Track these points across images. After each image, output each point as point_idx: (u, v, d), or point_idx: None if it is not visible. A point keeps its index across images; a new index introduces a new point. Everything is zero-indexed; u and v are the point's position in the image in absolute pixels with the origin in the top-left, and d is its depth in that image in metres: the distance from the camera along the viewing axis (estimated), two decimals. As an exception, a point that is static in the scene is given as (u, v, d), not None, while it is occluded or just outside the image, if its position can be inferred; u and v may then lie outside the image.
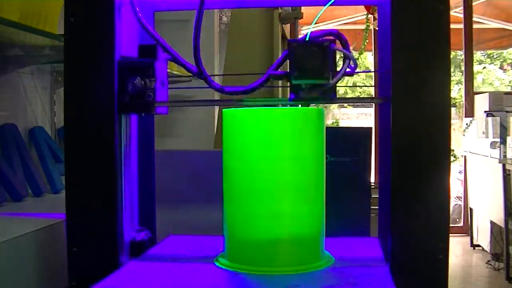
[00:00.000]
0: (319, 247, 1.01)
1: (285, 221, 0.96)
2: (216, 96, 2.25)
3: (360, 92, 6.35)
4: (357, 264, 1.00)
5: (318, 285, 0.92)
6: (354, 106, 10.23)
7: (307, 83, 0.98)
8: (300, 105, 1.03)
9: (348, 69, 1.01)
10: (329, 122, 8.35)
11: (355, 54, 5.57)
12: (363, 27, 5.23)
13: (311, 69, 0.96)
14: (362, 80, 9.13)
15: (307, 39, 0.98)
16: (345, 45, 1.04)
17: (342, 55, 1.01)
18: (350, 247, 1.15)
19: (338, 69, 1.00)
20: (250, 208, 0.96)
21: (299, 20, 2.65)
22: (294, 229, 0.96)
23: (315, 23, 1.02)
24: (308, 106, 1.02)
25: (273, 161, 0.95)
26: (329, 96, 1.01)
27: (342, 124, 9.48)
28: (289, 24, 2.85)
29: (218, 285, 0.93)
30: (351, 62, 1.01)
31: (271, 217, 0.95)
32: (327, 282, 0.92)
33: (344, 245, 1.15)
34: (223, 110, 1.02)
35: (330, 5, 1.07)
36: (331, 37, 1.02)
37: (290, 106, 1.02)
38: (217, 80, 2.42)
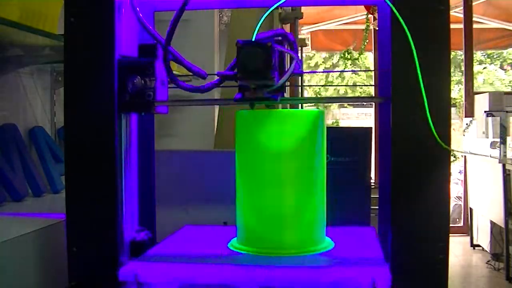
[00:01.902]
0: (320, 233, 1.12)
1: (290, 209, 1.07)
2: (216, 96, 2.26)
3: (360, 93, 6.35)
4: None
5: (319, 265, 1.03)
6: (354, 106, 10.23)
7: (252, 84, 0.99)
8: (300, 106, 1.03)
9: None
10: (329, 122, 8.36)
11: (355, 54, 5.57)
12: (363, 27, 5.23)
13: (254, 69, 0.96)
14: (362, 80, 9.13)
15: (253, 39, 0.98)
16: (292, 46, 1.05)
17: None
18: (348, 234, 1.24)
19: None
20: (260, 198, 1.08)
21: (299, 20, 2.65)
22: (298, 216, 1.08)
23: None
24: (254, 106, 1.04)
25: (279, 157, 1.06)
26: (275, 96, 1.02)
27: (342, 124, 9.48)
28: (289, 24, 2.85)
29: (234, 265, 1.02)
30: (298, 62, 1.02)
31: (277, 206, 1.07)
32: (327, 263, 1.04)
33: (343, 232, 1.24)
34: (236, 111, 1.10)
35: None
36: (279, 38, 1.02)
37: (290, 106, 1.02)
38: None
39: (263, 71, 0.96)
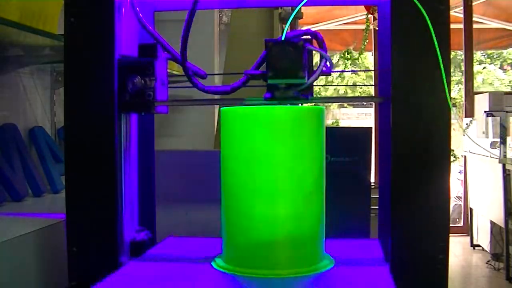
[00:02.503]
0: (319, 249, 0.98)
1: (284, 222, 0.93)
2: (216, 95, 2.26)
3: (360, 93, 6.35)
4: (357, 266, 1.00)
5: None
6: (354, 106, 10.23)
7: (281, 83, 0.98)
8: (300, 104, 1.03)
9: (324, 69, 1.01)
10: (329, 122, 8.35)
11: (355, 54, 5.57)
12: (363, 27, 5.23)
13: (285, 68, 0.96)
14: (362, 80, 9.13)
15: (283, 38, 0.98)
16: (322, 45, 1.04)
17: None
18: (350, 248, 1.14)
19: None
20: (248, 209, 0.93)
21: (299, 20, 2.65)
22: (293, 231, 0.93)
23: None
24: (286, 105, 1.00)
25: (272, 161, 0.93)
26: (305, 95, 1.01)
27: (342, 124, 9.48)
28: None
29: None
30: (328, 62, 1.01)
31: (269, 218, 0.92)
32: (327, 285, 0.91)
33: (345, 247, 1.14)
34: (221, 108, 1.02)
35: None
36: (308, 37, 1.02)
37: (290, 104, 1.01)
38: (217, 79, 2.43)
39: (295, 70, 0.95)
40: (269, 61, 0.97)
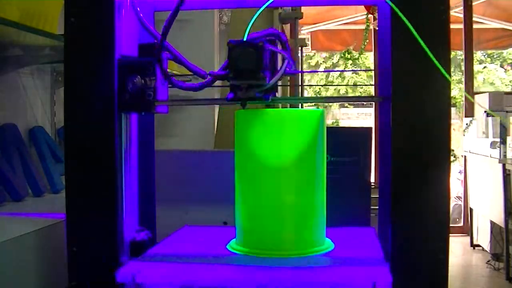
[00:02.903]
0: (319, 234, 1.10)
1: (290, 210, 1.06)
2: (216, 95, 2.26)
3: (360, 93, 6.35)
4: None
5: (318, 266, 1.01)
6: (354, 106, 10.23)
7: (242, 84, 0.99)
8: (300, 106, 1.03)
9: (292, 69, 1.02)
10: (329, 122, 8.35)
11: (355, 54, 5.58)
12: (363, 27, 5.23)
13: (245, 69, 0.97)
14: (362, 80, 9.13)
15: (244, 39, 0.98)
16: (285, 46, 1.05)
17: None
18: (348, 235, 1.24)
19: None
20: (260, 200, 1.07)
21: (299, 20, 2.65)
22: (297, 218, 1.06)
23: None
24: (245, 105, 1.03)
25: (278, 157, 1.05)
26: (267, 96, 1.02)
27: (342, 124, 9.48)
28: (289, 24, 2.85)
29: (233, 266, 1.02)
30: (290, 62, 1.03)
31: (278, 206, 1.06)
32: (327, 264, 1.03)
33: (343, 233, 1.23)
34: (236, 111, 1.09)
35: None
36: (272, 38, 1.03)
37: (290, 106, 1.02)
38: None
39: (254, 71, 0.96)
40: (230, 62, 0.98)
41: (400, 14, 0.94)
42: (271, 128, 1.05)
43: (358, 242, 1.19)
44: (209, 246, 1.15)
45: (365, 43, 5.17)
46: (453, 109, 5.07)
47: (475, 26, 4.96)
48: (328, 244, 1.11)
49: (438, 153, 0.97)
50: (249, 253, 1.07)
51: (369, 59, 7.75)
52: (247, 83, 0.99)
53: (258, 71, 0.96)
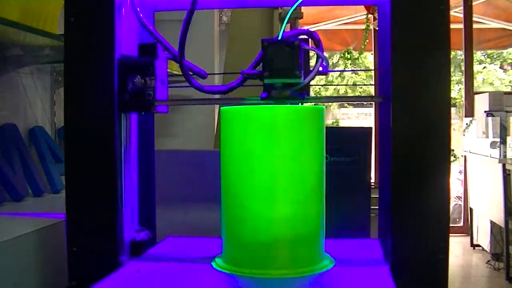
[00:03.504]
0: (319, 249, 0.97)
1: (284, 222, 0.91)
2: (216, 95, 2.26)
3: (360, 92, 6.35)
4: (357, 266, 0.99)
5: None
6: (354, 106, 10.23)
7: (277, 82, 0.98)
8: (300, 103, 1.03)
9: (321, 68, 1.01)
10: (329, 122, 8.35)
11: (355, 54, 5.57)
12: (363, 27, 5.23)
13: (281, 68, 0.96)
14: (362, 80, 9.13)
15: (279, 38, 0.98)
16: (318, 44, 1.04)
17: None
18: (350, 248, 1.14)
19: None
20: (248, 209, 0.92)
21: (299, 20, 2.65)
22: (293, 231, 0.92)
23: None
24: (281, 104, 1.01)
25: (271, 160, 0.91)
26: (302, 95, 1.01)
27: (342, 124, 9.47)
28: (289, 24, 2.85)
29: None
30: (324, 61, 1.01)
31: (269, 218, 0.91)
32: (327, 285, 0.91)
33: (345, 246, 1.14)
34: (221, 108, 1.01)
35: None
36: (304, 37, 1.02)
37: (290, 104, 1.01)
38: (217, 79, 2.43)
39: (291, 69, 0.96)
40: (265, 61, 0.97)
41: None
42: (262, 128, 0.91)
43: (362, 257, 1.08)
44: (192, 263, 1.03)
45: (365, 43, 5.17)
46: (453, 109, 5.07)
47: (475, 26, 4.96)
48: (328, 261, 0.97)
49: (438, 153, 0.97)
50: (236, 272, 0.92)
51: (368, 59, 7.75)
52: (284, 82, 0.98)
53: (294, 70, 0.96)
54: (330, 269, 0.96)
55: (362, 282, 0.91)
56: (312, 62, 1.03)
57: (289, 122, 0.92)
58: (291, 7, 1.03)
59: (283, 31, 0.99)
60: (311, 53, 1.03)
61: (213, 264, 0.98)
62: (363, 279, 0.92)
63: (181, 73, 1.07)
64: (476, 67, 8.68)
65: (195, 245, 1.20)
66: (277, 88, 0.99)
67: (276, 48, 0.96)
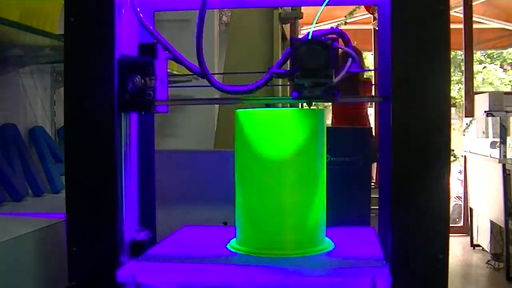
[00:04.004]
0: (320, 233, 1.11)
1: (291, 210, 1.06)
2: (216, 95, 2.26)
3: (360, 92, 6.32)
4: (354, 249, 1.07)
5: (318, 266, 1.02)
6: (354, 106, 10.21)
7: (310, 82, 0.98)
8: (300, 105, 1.03)
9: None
10: (329, 122, 8.34)
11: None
12: (363, 27, 5.23)
13: (314, 67, 0.96)
14: (362, 80, 9.11)
15: (309, 37, 0.97)
16: (348, 44, 1.04)
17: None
18: (348, 234, 1.23)
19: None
20: (260, 200, 1.07)
21: (299, 20, 2.65)
22: (298, 217, 1.07)
23: (316, 23, 1.02)
24: (311, 104, 1.03)
25: (278, 157, 1.05)
26: (332, 94, 1.01)
27: (342, 124, 9.43)
28: (289, 24, 2.85)
29: (233, 266, 1.02)
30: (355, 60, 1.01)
31: (278, 207, 1.06)
32: (327, 264, 1.03)
33: (343, 233, 1.23)
34: (235, 110, 1.08)
35: (330, 5, 1.06)
36: (334, 36, 1.02)
37: (290, 105, 1.02)
38: (216, 79, 2.43)
39: (323, 69, 0.96)
40: (298, 60, 0.97)
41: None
42: (271, 128, 1.05)
43: (358, 241, 1.19)
44: (209, 246, 1.15)
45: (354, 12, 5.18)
46: (453, 109, 5.07)
47: (475, 26, 4.96)
48: (328, 244, 1.12)
49: (438, 153, 0.97)
50: (249, 253, 1.07)
51: (368, 59, 7.75)
52: (316, 81, 0.98)
53: (327, 69, 0.96)
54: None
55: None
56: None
57: (293, 123, 1.05)
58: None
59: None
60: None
61: (228, 247, 1.12)
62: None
63: (181, 73, 1.07)
64: (476, 67, 8.68)
65: (209, 234, 1.26)
66: (307, 87, 0.99)
67: (308, 48, 0.96)
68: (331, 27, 1.06)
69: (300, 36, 0.99)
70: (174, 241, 1.20)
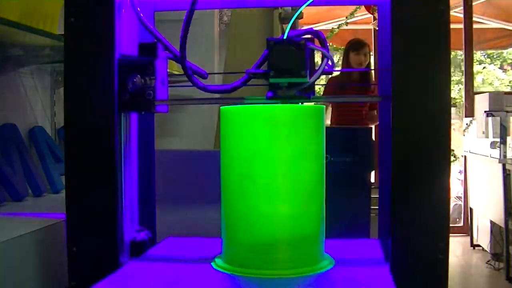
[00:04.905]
0: (319, 249, 0.97)
1: (284, 222, 0.92)
2: (217, 94, 2.26)
3: (360, 92, 6.32)
4: (357, 266, 0.99)
5: None
6: (354, 106, 10.21)
7: (284, 82, 0.98)
8: (300, 103, 1.03)
9: (326, 68, 1.01)
10: (329, 122, 8.33)
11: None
12: (363, 27, 5.23)
13: (287, 67, 0.96)
14: (362, 80, 9.11)
15: (285, 37, 0.98)
16: (323, 44, 1.04)
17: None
18: (350, 248, 1.14)
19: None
20: (248, 209, 0.92)
21: (299, 20, 2.65)
22: (293, 231, 0.92)
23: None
24: (286, 104, 1.01)
25: (271, 160, 0.91)
26: (307, 94, 1.01)
27: (342, 124, 9.43)
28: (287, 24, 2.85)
29: None
30: (330, 61, 1.01)
31: (269, 218, 0.91)
32: (327, 285, 0.91)
33: (345, 247, 1.13)
34: (220, 107, 1.00)
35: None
36: (310, 36, 1.02)
37: (290, 103, 1.01)
38: (217, 79, 2.43)
39: (297, 69, 0.96)
40: (271, 60, 0.97)
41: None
42: (262, 128, 0.91)
43: (361, 257, 1.07)
44: (192, 263, 1.02)
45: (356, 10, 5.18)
46: (453, 109, 5.07)
47: (475, 26, 4.96)
48: (327, 262, 0.98)
49: (438, 153, 0.97)
50: (236, 273, 0.93)
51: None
52: (289, 82, 0.98)
53: (301, 69, 0.96)
54: (330, 269, 0.96)
55: (362, 282, 0.91)
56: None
57: (289, 121, 0.93)
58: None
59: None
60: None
61: (213, 264, 0.98)
62: (363, 279, 0.92)
63: (181, 73, 1.07)
64: (476, 67, 8.67)
65: (195, 245, 1.19)
66: (283, 87, 0.99)
67: (282, 48, 0.96)
68: (308, 28, 1.07)
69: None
70: (156, 255, 1.11)
